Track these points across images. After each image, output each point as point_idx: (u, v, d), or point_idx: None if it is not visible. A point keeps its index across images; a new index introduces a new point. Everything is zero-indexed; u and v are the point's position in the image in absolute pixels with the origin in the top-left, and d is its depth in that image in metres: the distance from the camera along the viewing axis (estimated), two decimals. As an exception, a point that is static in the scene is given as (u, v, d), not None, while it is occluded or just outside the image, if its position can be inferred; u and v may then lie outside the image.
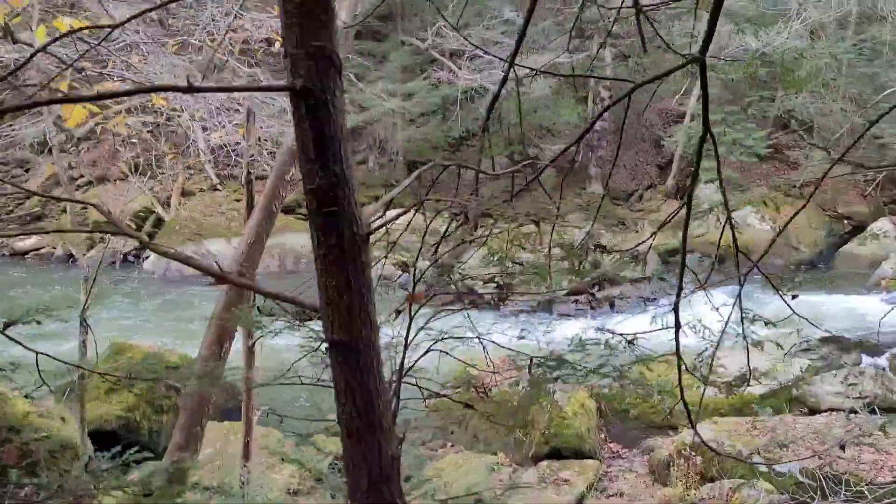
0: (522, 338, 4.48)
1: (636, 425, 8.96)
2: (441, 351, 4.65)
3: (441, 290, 3.23)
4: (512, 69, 2.88)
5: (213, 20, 8.74)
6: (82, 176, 21.72)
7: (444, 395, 6.71)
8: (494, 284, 16.41)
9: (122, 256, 16.79)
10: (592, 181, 23.08)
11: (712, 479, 7.36)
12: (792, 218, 3.41)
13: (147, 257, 18.31)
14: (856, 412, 9.13)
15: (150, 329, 13.94)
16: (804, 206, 3.30)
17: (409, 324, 3.33)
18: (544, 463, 7.35)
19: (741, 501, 6.40)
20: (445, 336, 4.30)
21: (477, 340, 5.05)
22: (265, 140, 11.19)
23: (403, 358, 3.14)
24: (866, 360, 12.26)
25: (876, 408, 8.81)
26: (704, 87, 2.28)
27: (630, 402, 9.11)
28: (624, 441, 8.65)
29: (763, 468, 7.43)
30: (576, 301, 16.46)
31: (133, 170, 19.48)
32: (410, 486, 6.94)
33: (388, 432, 2.24)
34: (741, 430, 8.12)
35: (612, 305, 16.57)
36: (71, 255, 18.35)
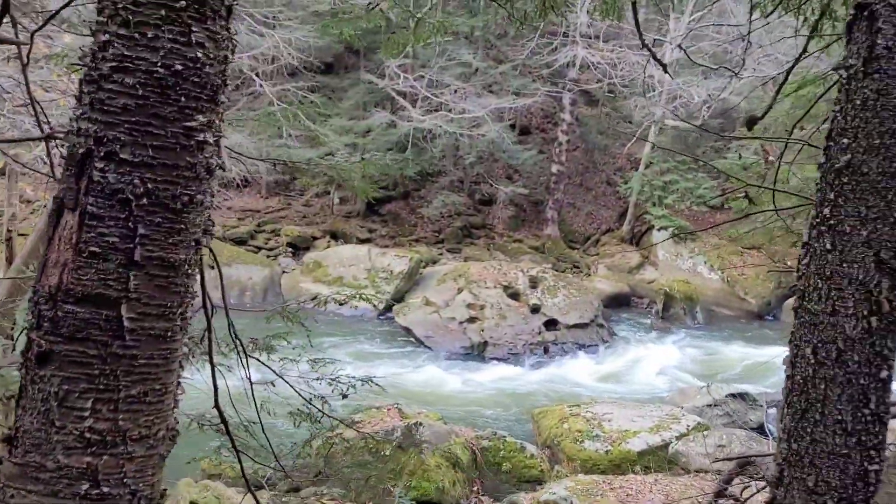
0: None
1: (508, 479, 9.82)
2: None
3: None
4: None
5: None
6: None
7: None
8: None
9: None
10: (549, 224, 24.12)
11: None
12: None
13: None
14: (720, 473, 10.01)
15: None
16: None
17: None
18: (402, 515, 8.23)
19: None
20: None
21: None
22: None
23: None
24: (775, 415, 13.16)
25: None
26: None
27: (504, 456, 9.98)
28: (496, 495, 9.51)
29: (602, 527, 8.31)
30: (510, 344, 17.34)
31: None
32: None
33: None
34: (595, 489, 8.99)
35: (546, 350, 17.40)
36: None
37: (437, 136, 21.70)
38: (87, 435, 1.30)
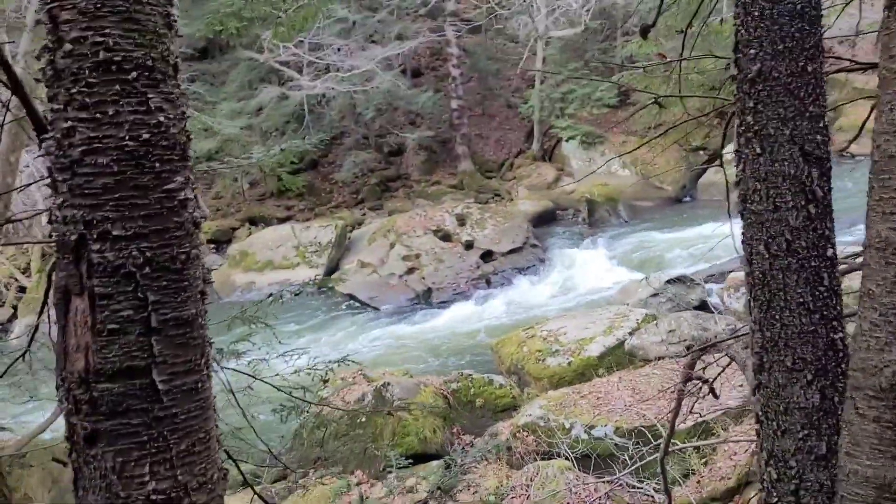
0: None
1: (484, 413, 10.16)
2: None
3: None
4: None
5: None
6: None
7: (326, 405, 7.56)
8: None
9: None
10: (462, 159, 24.22)
11: (549, 455, 8.62)
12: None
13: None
14: (680, 357, 10.56)
15: None
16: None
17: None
18: (392, 474, 8.45)
19: (541, 482, 7.65)
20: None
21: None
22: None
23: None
24: (715, 290, 13.81)
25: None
26: None
27: (475, 393, 10.29)
28: (475, 431, 9.84)
29: (584, 435, 8.74)
30: (453, 285, 17.59)
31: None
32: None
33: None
34: (567, 401, 9.40)
35: (488, 282, 17.72)
36: None
37: (331, 98, 21.41)
38: (154, 497, 1.37)
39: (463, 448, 8.78)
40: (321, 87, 19.86)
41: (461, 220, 19.17)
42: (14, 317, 17.94)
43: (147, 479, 1.37)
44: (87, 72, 1.34)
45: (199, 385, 1.45)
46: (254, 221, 22.38)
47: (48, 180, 1.38)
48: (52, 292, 1.38)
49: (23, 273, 20.12)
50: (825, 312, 1.94)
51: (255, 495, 4.15)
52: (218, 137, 20.38)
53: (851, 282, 3.10)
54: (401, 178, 24.40)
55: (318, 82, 19.74)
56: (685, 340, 10.64)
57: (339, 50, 20.69)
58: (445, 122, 24.48)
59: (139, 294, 1.36)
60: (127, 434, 1.36)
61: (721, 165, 4.18)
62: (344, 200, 23.57)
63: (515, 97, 25.81)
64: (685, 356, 9.88)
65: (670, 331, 10.74)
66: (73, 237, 1.34)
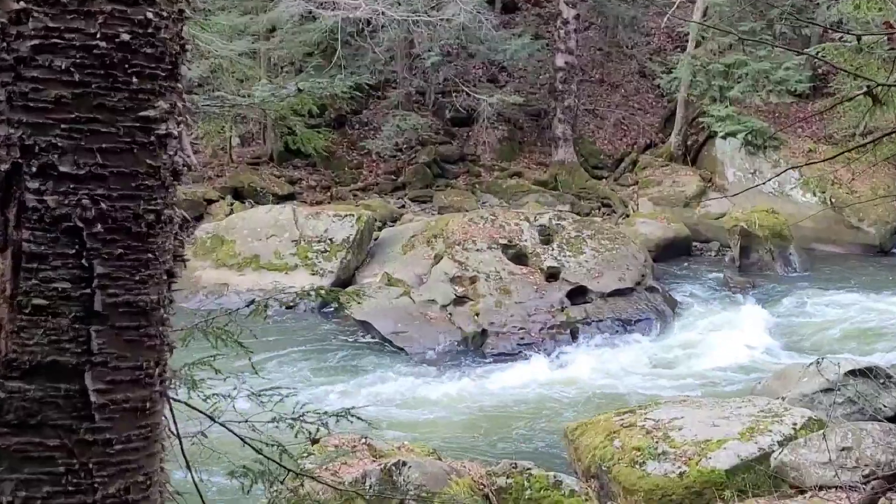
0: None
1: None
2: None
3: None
4: None
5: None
6: None
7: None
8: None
9: None
10: (560, 145, 24.21)
11: None
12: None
13: None
14: (854, 490, 10.40)
15: None
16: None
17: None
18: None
19: None
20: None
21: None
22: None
23: None
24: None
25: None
26: None
27: (532, 496, 10.24)
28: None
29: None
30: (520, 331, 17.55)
31: None
32: None
33: None
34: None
35: (573, 335, 17.61)
36: None
37: (378, 28, 21.66)
38: (58, 559, 1.43)
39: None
40: (366, 10, 20.09)
41: (546, 236, 19.12)
42: None
43: (55, 529, 1.43)
44: (56, -65, 1.41)
45: (148, 406, 1.50)
46: (240, 194, 22.70)
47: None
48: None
49: None
50: None
51: None
52: (206, 62, 20.69)
53: None
54: (465, 161, 24.56)
55: (361, 1, 20.00)
56: (866, 466, 10.48)
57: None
58: (544, 87, 24.59)
59: (82, 261, 1.42)
60: (38, 459, 1.42)
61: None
62: (376, 182, 23.81)
63: (654, 61, 25.81)
64: (864, 486, 9.73)
65: (844, 448, 10.57)
66: (4, 167, 1.41)
